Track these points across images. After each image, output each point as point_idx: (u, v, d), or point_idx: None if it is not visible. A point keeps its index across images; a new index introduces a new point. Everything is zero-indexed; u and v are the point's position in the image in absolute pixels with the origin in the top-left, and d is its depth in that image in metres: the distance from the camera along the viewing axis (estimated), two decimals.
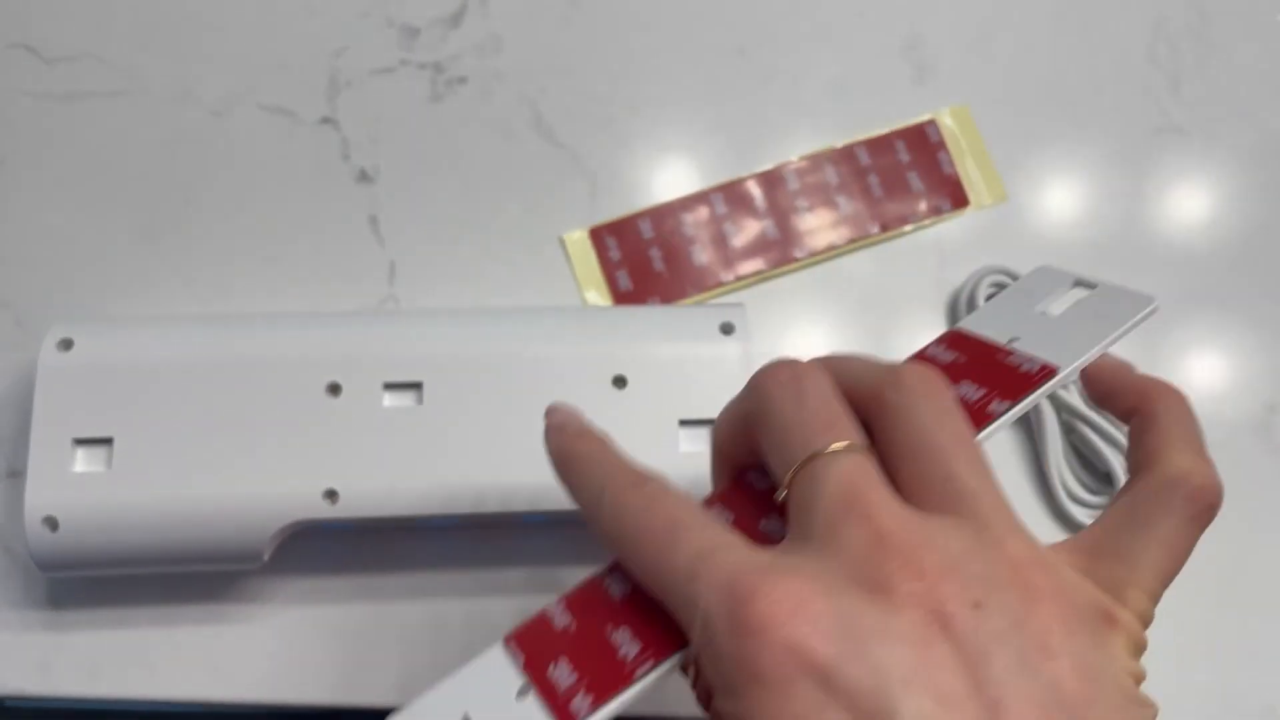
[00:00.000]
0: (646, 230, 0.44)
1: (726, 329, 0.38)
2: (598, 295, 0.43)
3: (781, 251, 0.44)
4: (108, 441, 0.36)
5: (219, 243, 0.43)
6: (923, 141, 0.46)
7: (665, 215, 0.44)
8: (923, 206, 0.45)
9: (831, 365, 0.25)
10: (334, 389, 0.36)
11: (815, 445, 0.23)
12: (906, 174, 0.45)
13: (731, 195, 0.45)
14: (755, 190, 0.45)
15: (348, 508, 0.35)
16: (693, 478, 0.27)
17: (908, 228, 0.45)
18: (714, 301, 0.44)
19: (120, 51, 0.45)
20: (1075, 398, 0.41)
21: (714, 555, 0.22)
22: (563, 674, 0.25)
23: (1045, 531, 0.42)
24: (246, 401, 0.36)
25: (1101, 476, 0.42)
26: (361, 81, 0.45)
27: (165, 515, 0.35)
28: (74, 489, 0.35)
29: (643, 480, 0.25)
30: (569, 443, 0.27)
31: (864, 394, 0.25)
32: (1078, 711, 0.20)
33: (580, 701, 0.25)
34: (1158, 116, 0.47)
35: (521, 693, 0.25)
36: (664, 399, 0.37)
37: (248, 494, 0.35)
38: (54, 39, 0.45)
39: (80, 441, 0.36)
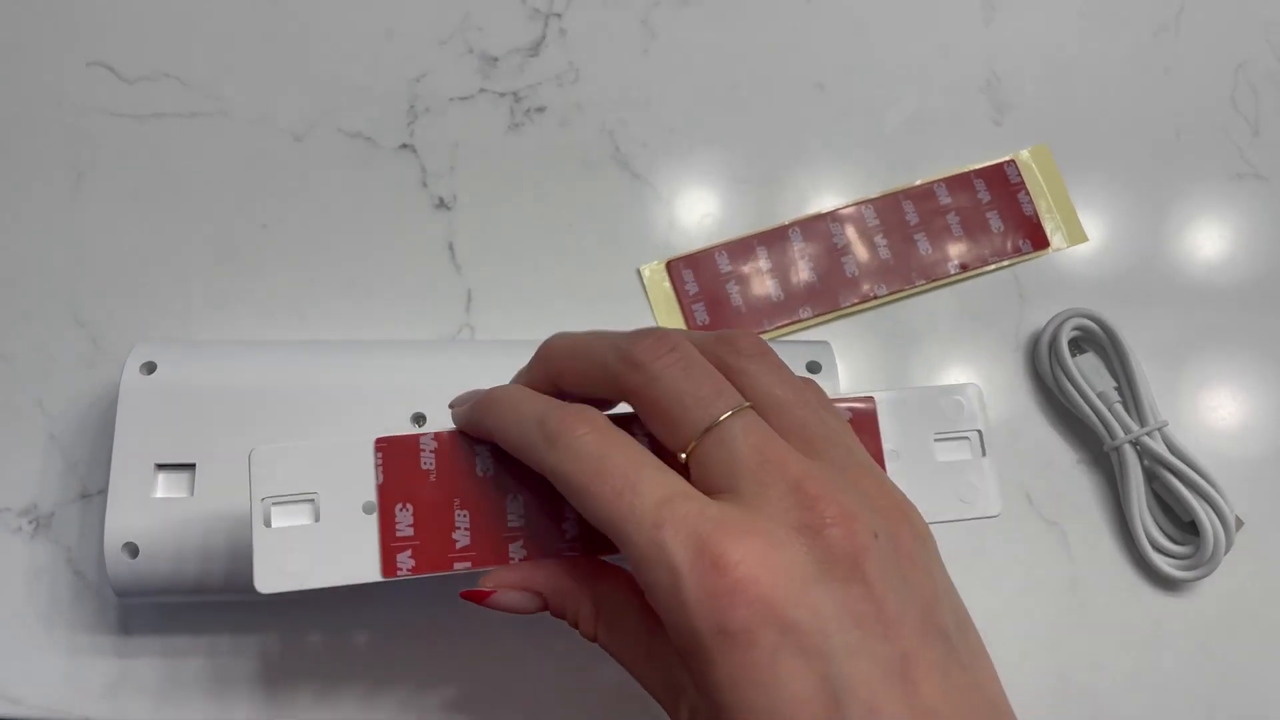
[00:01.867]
0: (724, 264, 0.44)
1: (813, 368, 0.38)
2: (675, 327, 0.43)
3: (860, 288, 0.44)
4: (190, 467, 0.35)
5: (295, 267, 0.43)
6: (1002, 181, 0.45)
7: (743, 249, 0.44)
8: (1002, 246, 0.45)
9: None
10: (419, 419, 0.36)
11: (714, 412, 0.26)
12: (986, 213, 0.45)
13: (809, 230, 0.44)
14: (833, 226, 0.44)
15: None
16: None
17: (987, 268, 0.44)
18: (797, 339, 0.43)
19: (200, 73, 0.44)
20: (1160, 444, 0.41)
21: (675, 503, 0.25)
22: (404, 521, 0.29)
23: (1128, 582, 0.41)
24: (331, 429, 0.36)
25: (1185, 525, 0.41)
26: (441, 108, 0.45)
27: (247, 543, 0.35)
28: (155, 515, 0.35)
29: (590, 414, 0.27)
30: (484, 394, 0.29)
31: (710, 360, 0.27)
32: (928, 606, 0.25)
33: (404, 560, 0.29)
34: (1238, 161, 0.46)
35: (368, 509, 0.29)
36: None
37: None
38: (134, 58, 0.45)
39: (162, 466, 0.35)
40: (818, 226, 0.44)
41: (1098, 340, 0.43)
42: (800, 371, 0.37)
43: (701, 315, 0.43)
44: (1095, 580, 0.41)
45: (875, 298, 0.44)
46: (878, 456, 0.31)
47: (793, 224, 0.44)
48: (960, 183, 0.45)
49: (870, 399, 0.32)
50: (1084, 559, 0.41)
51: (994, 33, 0.47)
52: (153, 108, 0.44)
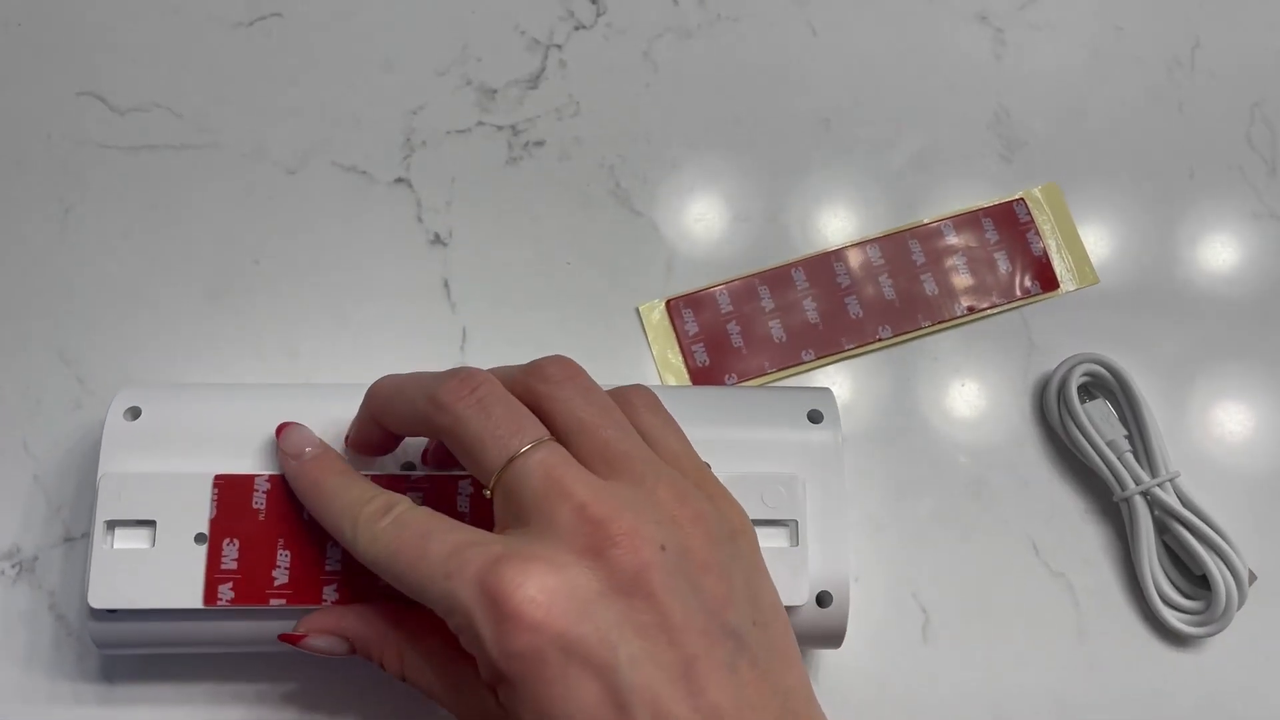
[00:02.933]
0: (725, 303, 0.43)
1: (814, 417, 0.36)
2: (674, 368, 0.42)
3: (864, 330, 0.43)
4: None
5: (287, 302, 0.42)
6: (1011, 220, 0.44)
7: (744, 289, 0.43)
8: (1011, 287, 0.44)
9: (492, 373, 0.30)
10: (408, 467, 0.35)
11: (511, 448, 0.28)
12: (994, 253, 0.44)
13: (813, 269, 0.43)
14: (837, 265, 0.43)
15: None
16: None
17: (995, 309, 0.43)
18: (795, 383, 0.42)
19: (193, 103, 0.44)
20: (1171, 496, 0.40)
21: (462, 553, 0.27)
22: (230, 555, 0.32)
23: (1137, 637, 0.40)
24: None
25: (1197, 580, 0.40)
26: (437, 142, 0.44)
27: (209, 628, 0.34)
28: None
29: (390, 505, 0.30)
30: (313, 472, 0.32)
31: (519, 391, 0.30)
32: (717, 609, 0.27)
33: (225, 591, 0.32)
34: (1254, 201, 0.45)
35: (199, 540, 0.32)
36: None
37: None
38: (125, 88, 0.44)
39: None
40: (822, 265, 0.43)
41: (1108, 386, 0.42)
42: (800, 420, 0.36)
43: (701, 356, 0.42)
44: (1103, 634, 0.40)
45: (879, 339, 0.43)
46: None
47: (796, 263, 0.43)
48: (968, 221, 0.44)
49: None
50: (1092, 612, 0.40)
51: (1004, 68, 0.46)
52: (143, 139, 0.43)
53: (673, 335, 0.42)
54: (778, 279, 0.43)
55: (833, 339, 0.43)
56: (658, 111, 0.45)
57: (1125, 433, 0.41)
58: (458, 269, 0.43)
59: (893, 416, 0.42)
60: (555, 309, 0.42)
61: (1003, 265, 0.44)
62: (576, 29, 0.45)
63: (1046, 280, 0.44)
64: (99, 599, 0.32)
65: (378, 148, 0.44)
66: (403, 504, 0.30)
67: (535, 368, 0.30)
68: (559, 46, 0.45)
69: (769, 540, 0.34)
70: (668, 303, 0.43)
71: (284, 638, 0.32)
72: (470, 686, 0.30)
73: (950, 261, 0.44)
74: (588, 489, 0.27)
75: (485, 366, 0.41)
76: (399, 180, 0.43)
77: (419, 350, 0.41)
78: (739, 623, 0.27)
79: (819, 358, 0.42)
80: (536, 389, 0.30)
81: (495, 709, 0.28)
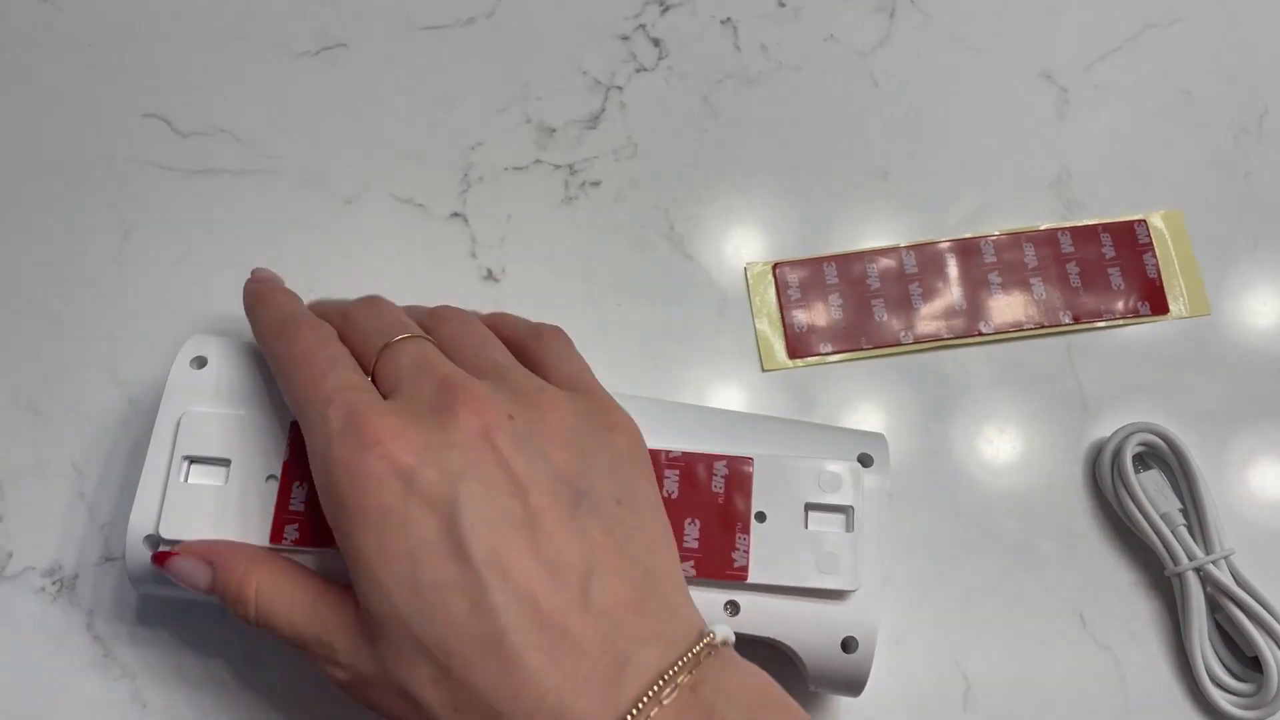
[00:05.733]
0: (831, 276, 0.43)
1: (865, 460, 0.36)
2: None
3: (966, 322, 0.43)
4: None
5: None
6: (1130, 239, 0.44)
7: (854, 261, 0.43)
8: (1120, 305, 0.43)
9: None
10: None
11: (389, 336, 0.32)
12: (1108, 269, 0.43)
13: (923, 256, 0.43)
14: (948, 255, 0.43)
15: None
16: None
17: (1100, 323, 0.43)
18: (853, 425, 0.41)
19: (255, 129, 0.44)
20: (1225, 574, 0.39)
21: (347, 391, 0.30)
22: (299, 497, 0.33)
23: (1184, 717, 0.39)
24: None
25: (1249, 661, 0.39)
26: (495, 178, 0.44)
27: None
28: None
29: (319, 323, 0.33)
30: (265, 289, 0.35)
31: (421, 324, 0.34)
32: (568, 475, 0.29)
33: (291, 531, 0.33)
34: None
35: (270, 481, 0.33)
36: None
37: None
38: (189, 112, 0.44)
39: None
40: (932, 253, 0.43)
41: (1164, 458, 0.41)
42: (850, 462, 0.36)
43: (800, 320, 0.43)
44: (1149, 712, 0.39)
45: (980, 334, 0.42)
46: (745, 515, 0.34)
47: (908, 247, 0.43)
48: (1086, 234, 0.44)
49: (749, 460, 0.35)
50: (1138, 688, 0.39)
51: (1067, 128, 0.46)
52: (204, 163, 0.44)
53: (774, 301, 0.43)
54: (886, 258, 0.43)
55: (932, 325, 0.43)
56: (715, 156, 0.45)
57: (1180, 506, 0.40)
58: (509, 305, 0.42)
59: (988, 410, 0.42)
60: (604, 349, 0.42)
61: (1116, 282, 0.43)
62: (638, 71, 0.45)
63: (1157, 304, 0.43)
64: (170, 530, 0.33)
65: (435, 181, 0.44)
66: (329, 327, 0.33)
67: (431, 310, 0.35)
68: (619, 88, 0.45)
69: (824, 525, 0.34)
70: (773, 266, 0.43)
71: (156, 556, 0.33)
72: (332, 598, 0.30)
73: (1063, 269, 0.43)
74: (452, 370, 0.31)
75: None
76: (455, 215, 0.43)
77: None
78: (593, 490, 0.29)
79: (917, 342, 0.42)
80: (425, 322, 0.34)
81: (334, 634, 0.29)
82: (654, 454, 0.34)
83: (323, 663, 0.29)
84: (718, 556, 0.33)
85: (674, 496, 0.34)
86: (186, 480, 0.33)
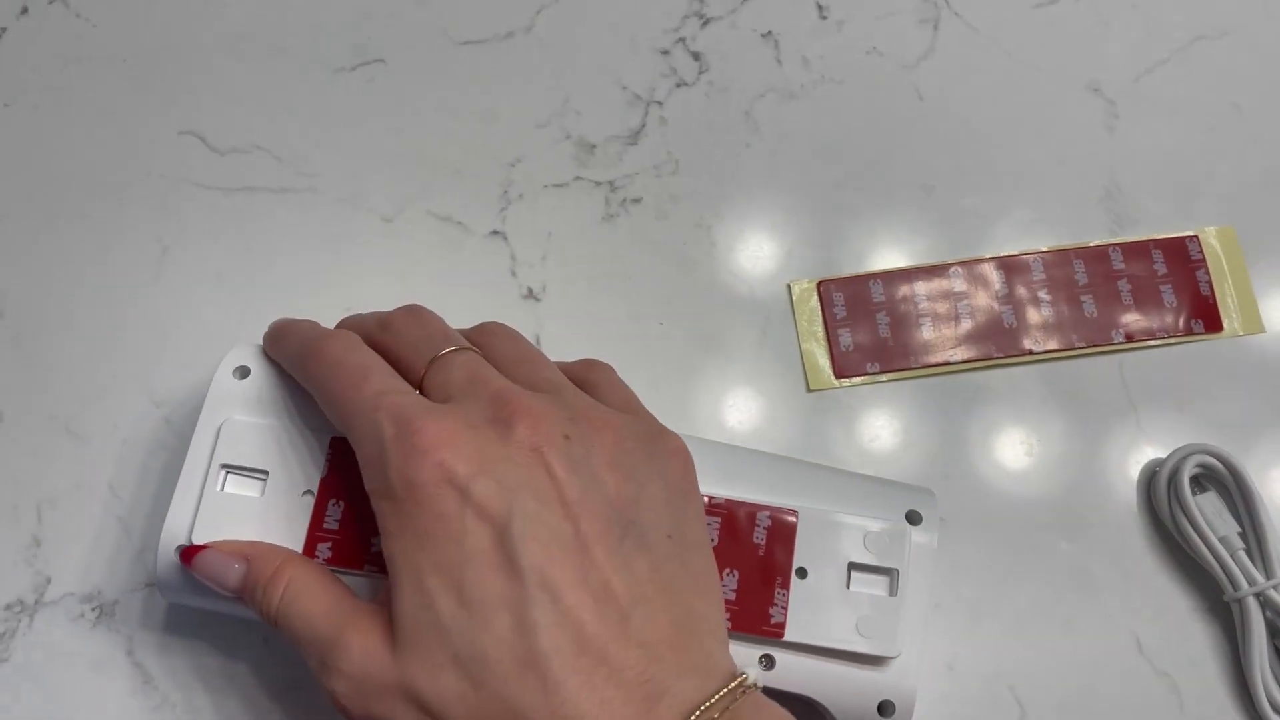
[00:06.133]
0: (877, 291, 0.42)
1: (913, 518, 0.35)
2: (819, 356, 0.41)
3: (1015, 341, 0.42)
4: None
5: None
6: (1182, 256, 0.43)
7: (899, 278, 0.42)
8: (1173, 323, 0.42)
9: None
10: None
11: (438, 348, 0.31)
12: (1160, 286, 0.43)
13: (971, 273, 0.43)
14: (995, 273, 0.43)
15: None
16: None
17: (1153, 342, 0.42)
18: (904, 479, 0.40)
19: (292, 147, 0.43)
20: None
21: (393, 395, 0.29)
22: (333, 516, 0.32)
23: None
24: None
25: None
26: (534, 195, 0.43)
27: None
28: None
29: (342, 332, 0.33)
30: (280, 324, 0.35)
31: (468, 338, 0.33)
32: (620, 504, 0.29)
33: (323, 550, 0.32)
34: None
35: (308, 493, 0.33)
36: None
37: None
38: (226, 129, 0.44)
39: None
40: (979, 272, 0.43)
41: (1222, 480, 0.40)
42: (898, 519, 0.35)
43: (846, 340, 0.42)
44: None
45: (1030, 353, 0.42)
46: (785, 569, 0.33)
47: (955, 264, 0.43)
48: (1137, 250, 0.43)
49: (794, 512, 0.34)
50: (1197, 716, 0.38)
51: (1116, 142, 0.45)
52: (242, 181, 0.43)
53: (821, 321, 0.42)
54: (934, 277, 0.43)
55: (982, 345, 0.42)
56: (757, 172, 0.44)
57: (1239, 529, 0.39)
58: (550, 324, 0.42)
59: (1037, 431, 0.41)
60: (646, 368, 0.42)
61: (1168, 299, 0.43)
62: (678, 86, 0.45)
63: (1211, 321, 0.42)
64: (203, 537, 0.32)
65: (475, 199, 0.43)
66: (353, 335, 0.32)
67: (479, 327, 0.34)
68: (660, 103, 0.45)
69: (866, 587, 0.33)
70: (819, 284, 0.43)
71: (183, 551, 0.32)
72: (355, 606, 0.29)
73: (1114, 287, 0.43)
74: (505, 383, 0.30)
75: None
76: (494, 233, 0.43)
77: None
78: (643, 522, 0.29)
79: (965, 362, 0.42)
80: (474, 337, 0.33)
81: (378, 626, 0.28)
82: None
83: (327, 668, 0.28)
84: (755, 611, 0.33)
85: (714, 544, 0.33)
86: (223, 489, 0.33)
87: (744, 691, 0.27)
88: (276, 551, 0.32)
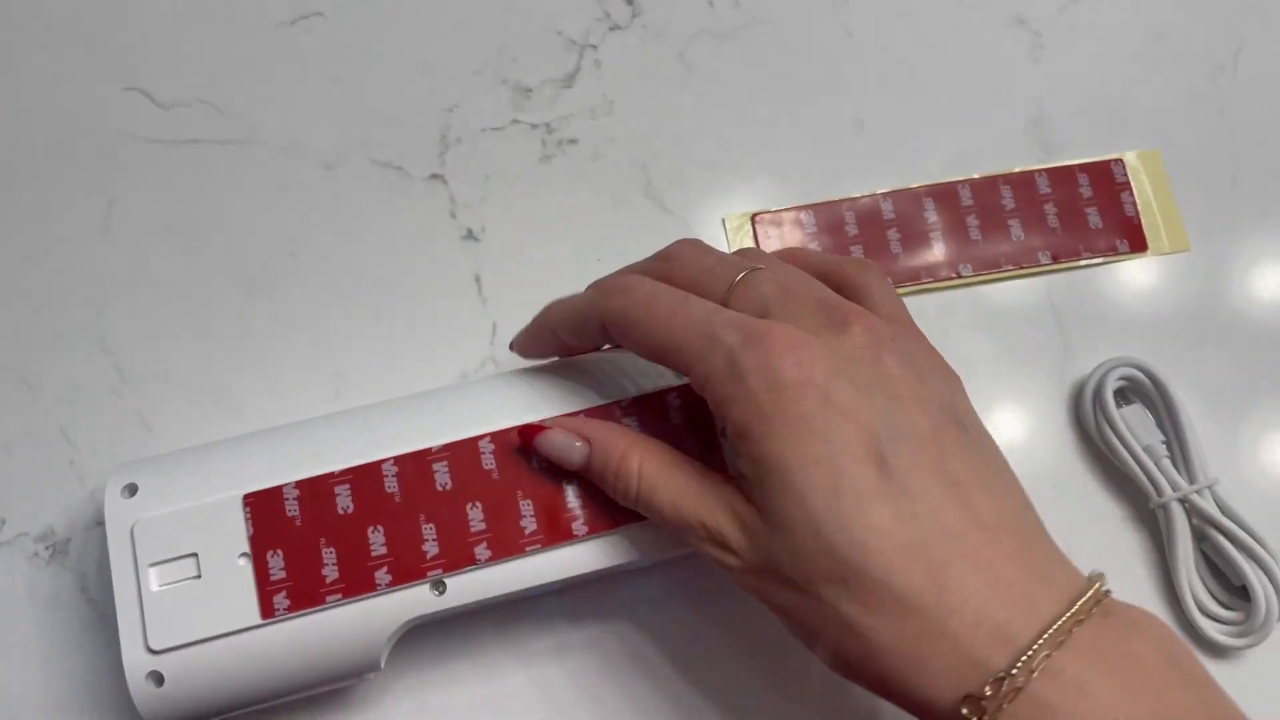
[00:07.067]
0: (809, 223, 0.43)
1: None
2: None
3: (945, 266, 0.43)
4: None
5: (321, 295, 0.42)
6: (1107, 178, 0.44)
7: (831, 209, 0.43)
8: (1099, 244, 0.43)
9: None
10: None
11: (735, 272, 0.31)
12: (1085, 209, 0.44)
13: (900, 202, 0.43)
14: (926, 200, 0.44)
15: (456, 596, 0.33)
16: None
17: (1079, 262, 0.43)
18: None
19: (235, 100, 0.44)
20: (1209, 503, 0.39)
21: (720, 311, 0.30)
22: (276, 565, 0.32)
23: None
24: None
25: (1236, 590, 0.39)
26: (472, 139, 0.44)
27: (273, 645, 0.32)
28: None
29: (635, 276, 0.32)
30: (551, 305, 0.35)
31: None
32: (946, 403, 0.30)
33: (280, 600, 0.32)
34: None
35: (244, 556, 0.32)
36: None
37: (361, 603, 0.33)
38: (170, 84, 0.45)
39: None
40: (910, 198, 0.44)
41: (1145, 391, 0.41)
42: None
43: None
44: None
45: (960, 277, 0.43)
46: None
47: (885, 194, 0.44)
48: (1063, 175, 0.44)
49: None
50: None
51: (1042, 72, 0.46)
52: (186, 134, 0.44)
53: (752, 243, 0.43)
54: (865, 204, 0.44)
55: (912, 271, 0.43)
56: (691, 112, 0.45)
57: (1163, 438, 0.40)
58: (489, 264, 0.43)
59: (972, 352, 0.42)
60: None
61: (1094, 221, 0.44)
62: (612, 29, 0.46)
63: (1136, 241, 0.44)
64: (159, 639, 0.32)
65: (414, 145, 0.44)
66: (651, 280, 0.32)
67: (741, 251, 0.34)
68: (594, 47, 0.46)
69: None
70: (753, 217, 0.43)
71: (523, 429, 0.33)
72: (710, 488, 0.30)
73: (1040, 210, 0.44)
74: (823, 290, 0.31)
75: (513, 361, 0.42)
76: (434, 176, 0.44)
77: (449, 343, 0.42)
78: (964, 418, 0.30)
79: (897, 287, 0.42)
80: (744, 261, 0.32)
81: (740, 506, 0.29)
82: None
83: (711, 547, 0.30)
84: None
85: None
86: (161, 587, 0.32)
87: (1109, 591, 0.29)
88: (616, 433, 0.33)
